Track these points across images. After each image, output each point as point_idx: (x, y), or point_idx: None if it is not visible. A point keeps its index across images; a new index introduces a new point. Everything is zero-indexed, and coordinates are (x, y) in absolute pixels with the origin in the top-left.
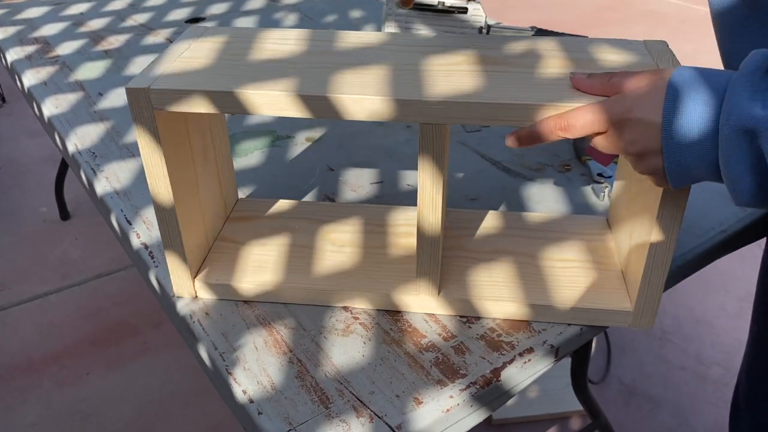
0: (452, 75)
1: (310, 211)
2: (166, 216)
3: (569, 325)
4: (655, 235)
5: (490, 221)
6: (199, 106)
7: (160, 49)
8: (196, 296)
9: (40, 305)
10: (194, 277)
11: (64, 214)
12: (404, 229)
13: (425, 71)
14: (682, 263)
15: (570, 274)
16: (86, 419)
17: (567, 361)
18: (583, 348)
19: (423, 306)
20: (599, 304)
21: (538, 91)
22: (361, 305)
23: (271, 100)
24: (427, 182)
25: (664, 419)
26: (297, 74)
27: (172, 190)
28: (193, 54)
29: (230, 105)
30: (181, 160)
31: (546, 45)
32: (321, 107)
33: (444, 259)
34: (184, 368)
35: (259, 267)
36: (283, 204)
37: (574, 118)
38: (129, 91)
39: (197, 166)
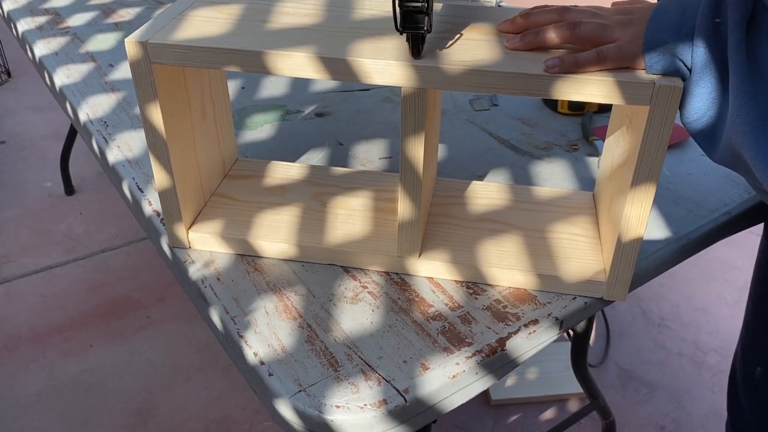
0: (471, 44)
1: (307, 174)
2: (161, 166)
3: (574, 298)
4: (628, 208)
5: (482, 192)
6: (194, 61)
7: None
8: (190, 246)
9: (45, 278)
10: (188, 228)
11: (69, 189)
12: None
13: (443, 40)
14: (686, 243)
15: (549, 245)
16: (89, 390)
17: (566, 345)
18: (584, 328)
19: (427, 270)
20: (575, 274)
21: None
22: (358, 265)
23: (272, 59)
24: (409, 134)
25: (661, 403)
26: (303, 36)
27: (167, 142)
28: (195, 11)
29: (222, 61)
30: (178, 114)
31: None
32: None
33: (435, 225)
34: (186, 343)
35: (252, 222)
36: (281, 166)
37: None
38: (128, 44)
39: (194, 121)
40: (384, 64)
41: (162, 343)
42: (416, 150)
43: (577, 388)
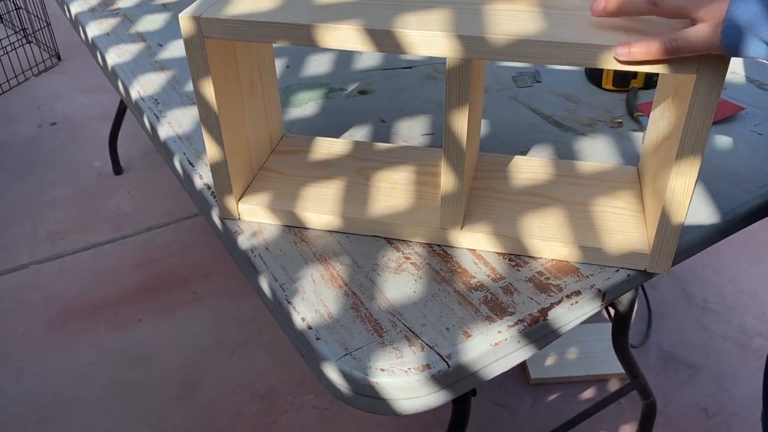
0: (514, 15)
1: (351, 149)
2: (213, 140)
3: (617, 270)
4: (674, 179)
5: (525, 166)
6: (245, 35)
7: None
8: (240, 217)
9: (95, 254)
10: (238, 200)
11: (117, 169)
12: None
13: (488, 11)
14: (732, 217)
15: (592, 218)
16: (138, 362)
17: (606, 326)
18: (627, 306)
19: (469, 242)
20: (618, 246)
21: (596, 33)
22: (401, 236)
23: (321, 32)
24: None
25: (702, 385)
26: (350, 9)
27: (218, 116)
28: None
29: (273, 35)
30: (229, 89)
31: None
32: (353, 38)
33: (477, 198)
34: (230, 318)
35: (298, 195)
36: (325, 141)
37: None
38: (182, 19)
39: (244, 97)
40: (430, 35)
41: (207, 317)
42: (460, 121)
43: (616, 368)
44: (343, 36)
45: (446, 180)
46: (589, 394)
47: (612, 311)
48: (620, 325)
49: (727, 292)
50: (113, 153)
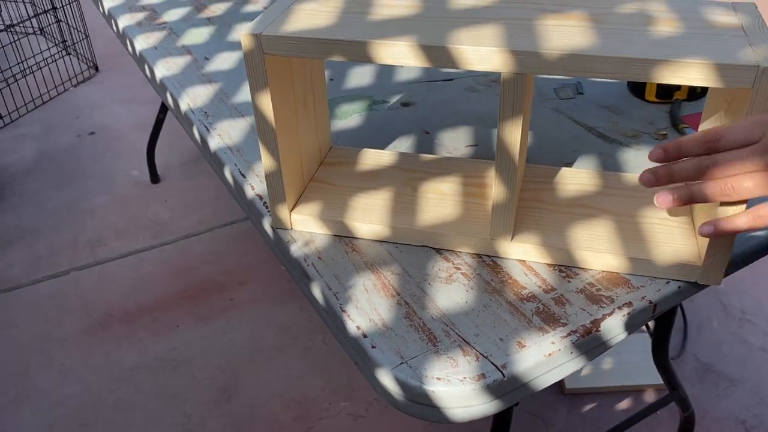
0: (565, 30)
1: (398, 160)
2: (269, 152)
3: (668, 282)
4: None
5: (571, 178)
6: (302, 52)
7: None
8: (292, 227)
9: (134, 261)
10: (291, 211)
11: (155, 178)
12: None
13: (539, 26)
14: None
15: (641, 230)
16: (177, 367)
17: (642, 337)
18: (666, 316)
19: (519, 253)
20: (668, 258)
21: (644, 47)
22: (450, 246)
23: (376, 48)
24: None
25: (741, 398)
26: (404, 25)
27: (275, 129)
28: (301, 5)
29: (329, 51)
30: (285, 103)
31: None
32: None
33: (526, 209)
34: (267, 325)
35: (348, 205)
36: (372, 153)
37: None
38: (243, 37)
39: (298, 110)
40: (485, 51)
41: (244, 324)
42: (513, 133)
43: (652, 379)
44: (398, 52)
45: (498, 191)
46: (624, 405)
47: (651, 322)
48: (660, 337)
49: (766, 304)
50: (151, 162)
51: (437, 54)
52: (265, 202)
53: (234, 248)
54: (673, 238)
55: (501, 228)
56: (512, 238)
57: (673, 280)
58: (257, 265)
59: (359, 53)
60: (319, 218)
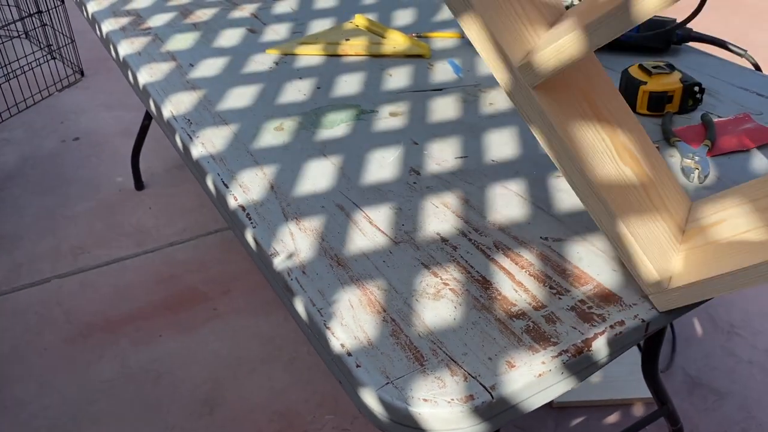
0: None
1: None
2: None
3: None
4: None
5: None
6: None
7: (245, 23)
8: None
9: (117, 269)
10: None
11: (139, 185)
12: None
13: None
14: None
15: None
16: (159, 378)
17: (632, 350)
18: (657, 332)
19: None
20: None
21: None
22: None
23: None
24: None
25: (730, 411)
26: None
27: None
28: None
29: None
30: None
31: None
32: None
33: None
34: (251, 335)
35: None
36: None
37: None
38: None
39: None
40: None
41: (228, 334)
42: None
43: (641, 393)
44: None
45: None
46: (612, 418)
47: None
48: (650, 351)
49: (753, 316)
50: (135, 168)
51: None
52: (248, 214)
53: (218, 257)
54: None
55: None
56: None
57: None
58: (242, 274)
59: None
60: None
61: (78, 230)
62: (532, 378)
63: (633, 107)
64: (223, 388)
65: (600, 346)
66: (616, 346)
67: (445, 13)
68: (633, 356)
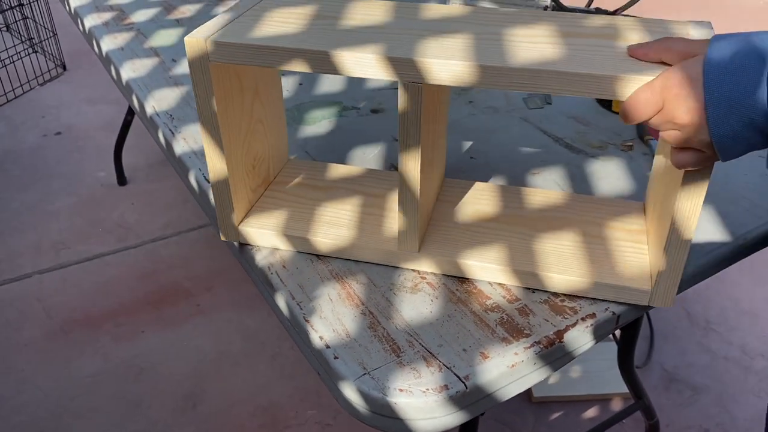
0: (530, 45)
1: (353, 175)
2: (215, 163)
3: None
4: (680, 203)
5: (527, 197)
6: (247, 60)
7: None
8: (238, 240)
9: (98, 265)
10: (238, 224)
11: (122, 180)
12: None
13: (505, 41)
14: (743, 242)
15: (597, 252)
16: (141, 373)
17: (610, 345)
18: (632, 326)
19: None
20: (619, 280)
21: (609, 64)
22: (365, 259)
23: (319, 58)
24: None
25: (705, 406)
26: (365, 36)
27: (222, 138)
28: (255, 13)
29: (274, 60)
30: (232, 113)
31: (599, 22)
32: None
33: (467, 227)
34: (234, 331)
35: (298, 219)
36: (328, 167)
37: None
38: (188, 42)
39: (247, 121)
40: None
41: (210, 330)
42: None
43: (619, 388)
44: (355, 62)
45: (401, 200)
46: (591, 413)
47: (618, 332)
48: (626, 346)
49: (729, 313)
50: (118, 164)
51: (400, 66)
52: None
53: (201, 253)
54: (624, 260)
55: (407, 243)
56: (419, 250)
57: (622, 303)
58: (225, 269)
59: (313, 63)
60: (271, 231)
61: (59, 226)
62: (506, 368)
63: (609, 106)
64: (206, 383)
65: (572, 338)
66: (588, 338)
67: None
68: (611, 352)
